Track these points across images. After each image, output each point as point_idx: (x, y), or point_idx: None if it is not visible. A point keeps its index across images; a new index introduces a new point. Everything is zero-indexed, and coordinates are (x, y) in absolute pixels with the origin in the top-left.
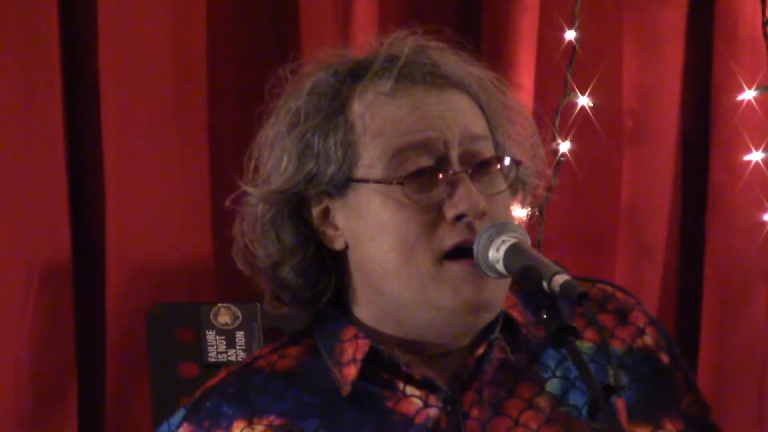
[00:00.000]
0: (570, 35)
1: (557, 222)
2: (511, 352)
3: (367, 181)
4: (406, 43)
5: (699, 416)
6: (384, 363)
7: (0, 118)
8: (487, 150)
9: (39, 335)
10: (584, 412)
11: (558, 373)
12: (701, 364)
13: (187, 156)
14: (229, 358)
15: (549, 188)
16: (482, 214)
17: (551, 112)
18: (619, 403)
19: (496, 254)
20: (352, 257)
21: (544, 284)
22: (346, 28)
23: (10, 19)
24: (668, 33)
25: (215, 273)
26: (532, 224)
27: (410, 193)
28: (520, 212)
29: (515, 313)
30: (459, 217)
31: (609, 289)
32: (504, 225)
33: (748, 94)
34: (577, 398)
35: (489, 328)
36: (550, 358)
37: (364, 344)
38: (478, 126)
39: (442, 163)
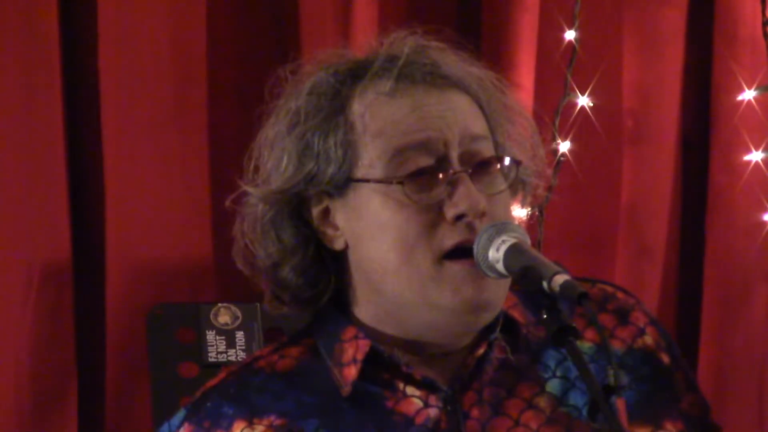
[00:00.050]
0: (570, 35)
1: (557, 222)
2: (512, 352)
3: (367, 180)
4: (406, 43)
5: (699, 416)
6: (384, 363)
7: (0, 118)
8: (487, 150)
9: (39, 335)
10: (584, 412)
11: (558, 373)
12: (701, 364)
13: (187, 156)
14: (229, 358)
15: (549, 188)
16: (482, 214)
17: (551, 112)
18: (619, 404)
19: (496, 254)
20: (352, 257)
21: (544, 284)
22: (346, 28)
23: (10, 19)
24: (668, 33)
25: (215, 273)
26: (532, 224)
27: (410, 192)
28: (520, 212)
29: (515, 313)
30: (459, 217)
31: (609, 289)
32: (504, 225)
33: (748, 94)
34: (577, 398)
35: (489, 328)
36: (551, 358)
37: (364, 344)
38: (478, 126)
39: (442, 163)
